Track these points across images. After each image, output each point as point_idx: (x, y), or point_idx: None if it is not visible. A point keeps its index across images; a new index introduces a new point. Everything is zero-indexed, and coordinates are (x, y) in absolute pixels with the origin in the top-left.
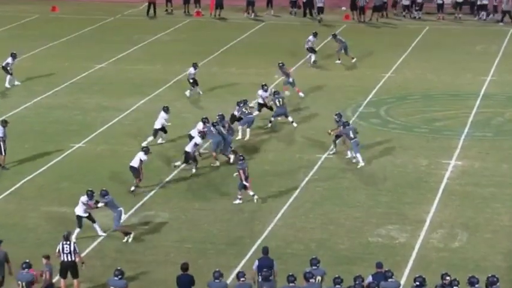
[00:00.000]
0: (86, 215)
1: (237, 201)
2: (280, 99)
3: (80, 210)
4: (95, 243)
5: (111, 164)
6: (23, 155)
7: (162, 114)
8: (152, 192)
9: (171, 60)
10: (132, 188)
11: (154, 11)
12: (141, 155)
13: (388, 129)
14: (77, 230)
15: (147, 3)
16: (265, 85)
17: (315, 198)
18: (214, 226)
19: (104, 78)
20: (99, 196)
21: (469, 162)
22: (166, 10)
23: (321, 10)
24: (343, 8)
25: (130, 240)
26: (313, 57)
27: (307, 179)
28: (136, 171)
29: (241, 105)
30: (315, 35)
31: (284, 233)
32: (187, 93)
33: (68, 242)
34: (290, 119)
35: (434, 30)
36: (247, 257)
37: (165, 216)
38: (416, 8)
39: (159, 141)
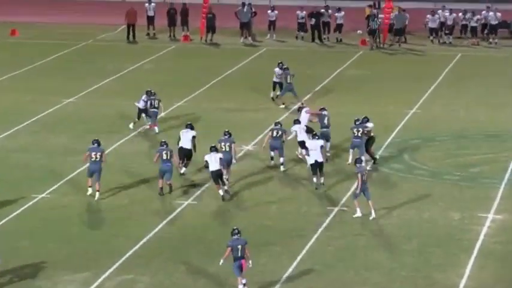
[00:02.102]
0: None
1: None
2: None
3: None
4: None
5: (82, 219)
6: None
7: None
8: (131, 251)
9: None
10: (183, 170)
11: (134, 35)
12: (192, 133)
13: (414, 176)
14: None
15: (125, 25)
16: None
17: (326, 259)
18: None
19: (74, 115)
20: None
21: (511, 216)
22: (148, 34)
23: (339, 28)
24: (359, 32)
25: None
26: (272, 93)
27: (316, 236)
28: (189, 153)
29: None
30: (282, 66)
31: None
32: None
33: None
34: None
35: (468, 57)
36: None
37: (145, 280)
38: (446, 32)
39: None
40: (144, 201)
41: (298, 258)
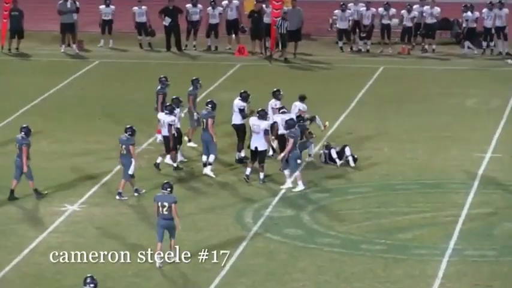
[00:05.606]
0: None
1: None
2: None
3: None
4: None
5: None
6: None
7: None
8: None
9: None
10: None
11: None
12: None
13: (317, 246)
14: None
15: None
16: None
17: None
18: None
19: None
20: None
21: None
22: None
23: (214, 31)
24: (233, 37)
25: None
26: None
27: None
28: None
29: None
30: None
31: None
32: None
33: None
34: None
35: (394, 72)
36: None
37: None
38: (362, 35)
39: None
40: None
41: None
